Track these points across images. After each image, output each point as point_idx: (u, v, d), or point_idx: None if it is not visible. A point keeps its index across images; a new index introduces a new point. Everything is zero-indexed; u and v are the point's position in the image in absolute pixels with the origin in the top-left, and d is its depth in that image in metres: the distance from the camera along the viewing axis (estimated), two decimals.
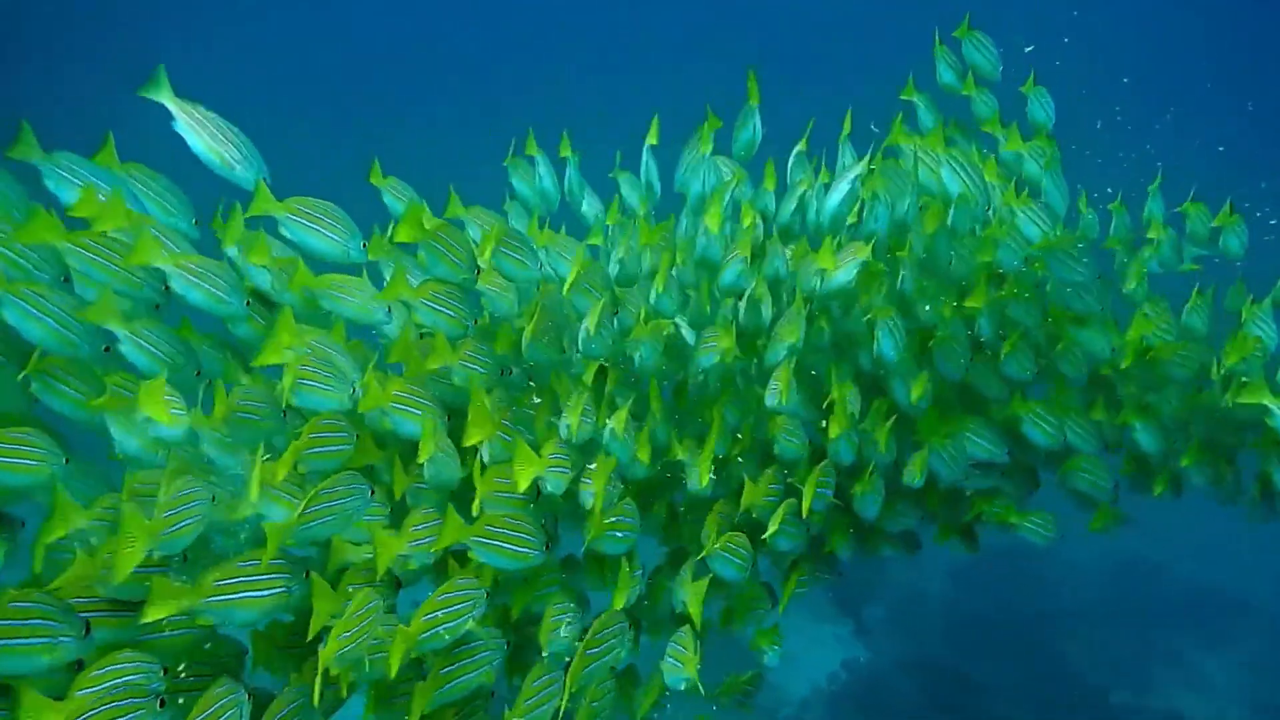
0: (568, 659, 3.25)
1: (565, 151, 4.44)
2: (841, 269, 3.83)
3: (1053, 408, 4.43)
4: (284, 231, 3.16)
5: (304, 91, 19.91)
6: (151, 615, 2.53)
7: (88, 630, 2.51)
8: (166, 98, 3.02)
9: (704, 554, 3.62)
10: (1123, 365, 4.45)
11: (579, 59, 21.47)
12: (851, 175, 4.04)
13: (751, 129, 4.28)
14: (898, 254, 4.17)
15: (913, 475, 4.17)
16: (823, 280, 3.84)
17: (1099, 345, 4.47)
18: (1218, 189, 4.95)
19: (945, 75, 4.68)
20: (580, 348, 3.55)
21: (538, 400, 3.63)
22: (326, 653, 2.67)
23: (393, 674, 2.82)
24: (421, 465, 3.17)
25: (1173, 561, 11.22)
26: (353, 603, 2.75)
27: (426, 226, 3.26)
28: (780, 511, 3.74)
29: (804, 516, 3.79)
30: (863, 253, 3.81)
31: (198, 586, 2.65)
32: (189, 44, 19.36)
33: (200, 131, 3.04)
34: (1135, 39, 18.57)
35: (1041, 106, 4.71)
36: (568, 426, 3.40)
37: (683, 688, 3.42)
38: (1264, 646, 10.10)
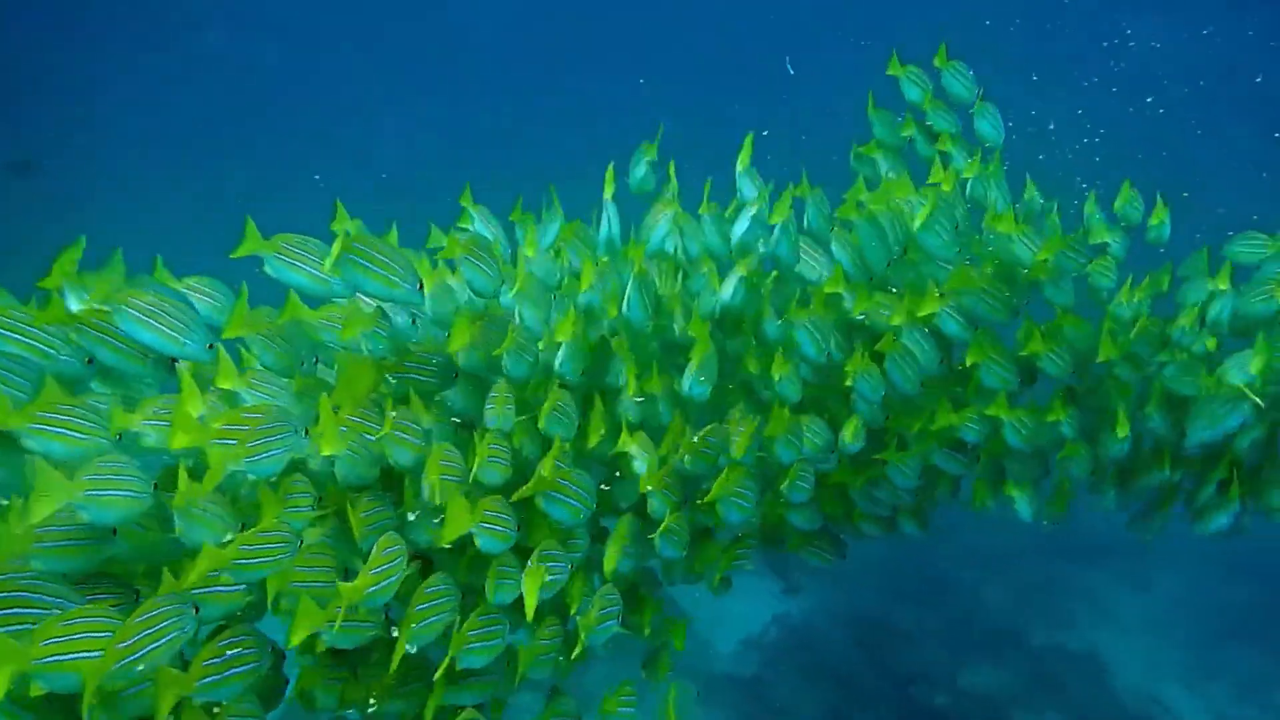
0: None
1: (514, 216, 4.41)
2: (725, 285, 4.13)
3: (1035, 414, 4.61)
4: (269, 269, 3.17)
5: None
6: (192, 580, 2.75)
7: None
8: (260, 249, 3.14)
9: (657, 533, 3.92)
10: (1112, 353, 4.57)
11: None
12: (752, 208, 4.25)
13: (643, 169, 4.45)
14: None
15: (848, 438, 4.40)
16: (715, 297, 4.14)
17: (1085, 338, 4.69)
18: None
19: (911, 93, 4.92)
20: (506, 368, 3.73)
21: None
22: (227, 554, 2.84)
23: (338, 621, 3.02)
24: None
25: (1084, 505, 11.80)
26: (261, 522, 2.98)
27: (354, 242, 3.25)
28: (730, 479, 4.01)
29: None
30: (743, 269, 4.09)
31: (228, 551, 2.83)
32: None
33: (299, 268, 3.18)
34: None
35: (990, 123, 4.94)
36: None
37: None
38: (1171, 581, 10.71)
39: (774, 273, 4.41)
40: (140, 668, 2.60)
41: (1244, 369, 4.31)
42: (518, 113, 20.21)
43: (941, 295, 4.38)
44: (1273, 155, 17.10)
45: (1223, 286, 4.52)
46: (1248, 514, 4.95)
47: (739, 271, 4.12)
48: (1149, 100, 17.68)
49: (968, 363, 4.46)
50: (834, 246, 4.45)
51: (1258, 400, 4.33)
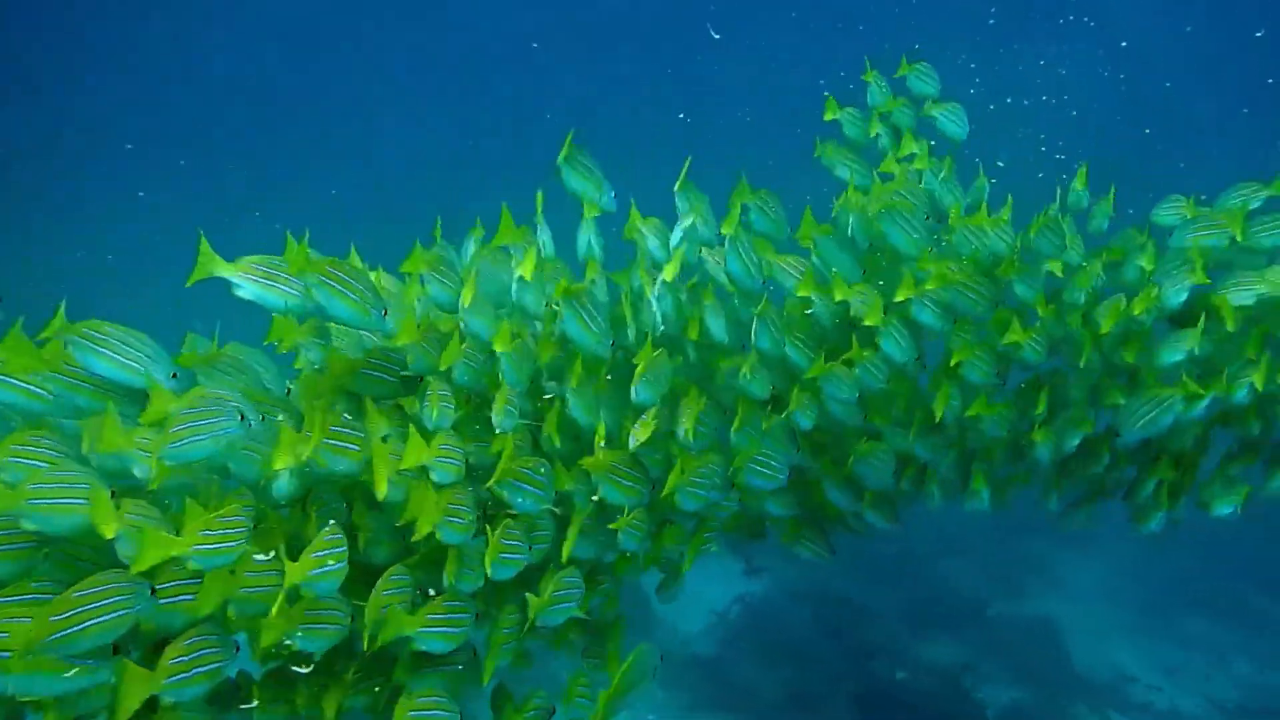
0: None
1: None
2: (657, 291, 4.27)
3: (1010, 405, 4.76)
4: (239, 292, 3.17)
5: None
6: (143, 564, 2.74)
7: None
8: (222, 271, 3.14)
9: (616, 525, 4.06)
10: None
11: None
12: (686, 222, 4.39)
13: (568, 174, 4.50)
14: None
15: (804, 415, 4.49)
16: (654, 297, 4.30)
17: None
18: None
19: (876, 98, 5.16)
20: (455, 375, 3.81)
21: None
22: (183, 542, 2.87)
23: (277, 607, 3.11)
24: None
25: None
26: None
27: (317, 262, 3.27)
28: (685, 469, 4.11)
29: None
30: (670, 273, 4.25)
31: (186, 536, 2.86)
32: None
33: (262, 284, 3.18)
34: None
35: (952, 122, 5.15)
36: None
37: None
38: (1119, 550, 10.97)
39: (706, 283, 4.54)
40: (81, 644, 2.59)
41: (1177, 349, 4.51)
42: (518, 112, 20.12)
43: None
44: (1238, 105, 17.30)
45: (1197, 275, 4.55)
46: (1183, 507, 5.19)
47: (665, 276, 4.25)
48: (1124, 45, 17.86)
49: (952, 362, 4.57)
50: (813, 258, 4.61)
51: (1191, 394, 4.52)
